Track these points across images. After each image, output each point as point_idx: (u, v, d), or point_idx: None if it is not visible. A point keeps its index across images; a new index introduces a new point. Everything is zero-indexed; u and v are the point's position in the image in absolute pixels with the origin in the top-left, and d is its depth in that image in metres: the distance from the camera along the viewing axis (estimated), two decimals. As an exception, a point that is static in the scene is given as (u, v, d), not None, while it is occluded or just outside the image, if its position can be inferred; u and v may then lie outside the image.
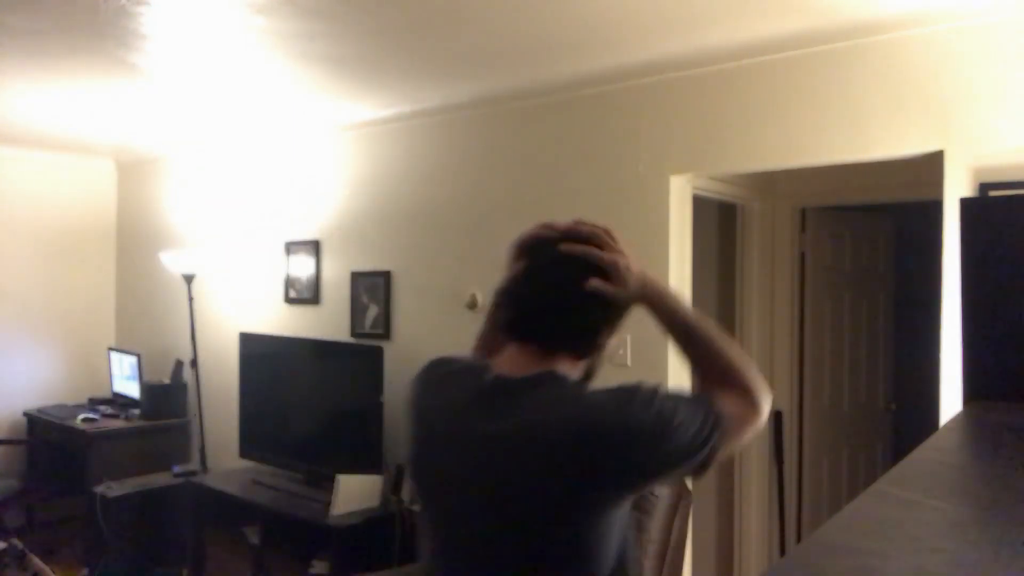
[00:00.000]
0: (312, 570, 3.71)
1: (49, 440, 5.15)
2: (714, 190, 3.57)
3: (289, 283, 4.69)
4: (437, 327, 3.98)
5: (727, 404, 1.18)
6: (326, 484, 3.79)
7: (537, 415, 1.14)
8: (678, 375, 3.03)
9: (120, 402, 5.36)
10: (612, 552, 1.16)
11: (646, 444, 1.10)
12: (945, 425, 1.68)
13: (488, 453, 1.16)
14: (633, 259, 1.24)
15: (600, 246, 1.22)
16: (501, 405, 1.17)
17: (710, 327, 1.26)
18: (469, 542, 1.21)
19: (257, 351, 4.50)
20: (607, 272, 1.20)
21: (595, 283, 1.19)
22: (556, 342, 1.22)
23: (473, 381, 1.23)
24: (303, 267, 4.59)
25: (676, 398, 1.17)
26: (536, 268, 1.24)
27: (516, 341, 1.24)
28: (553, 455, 1.11)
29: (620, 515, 1.17)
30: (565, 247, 1.22)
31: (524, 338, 1.23)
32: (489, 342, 1.41)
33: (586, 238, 1.23)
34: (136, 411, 5.10)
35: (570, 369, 1.22)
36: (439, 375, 1.32)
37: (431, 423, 1.28)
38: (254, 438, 4.46)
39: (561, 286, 1.21)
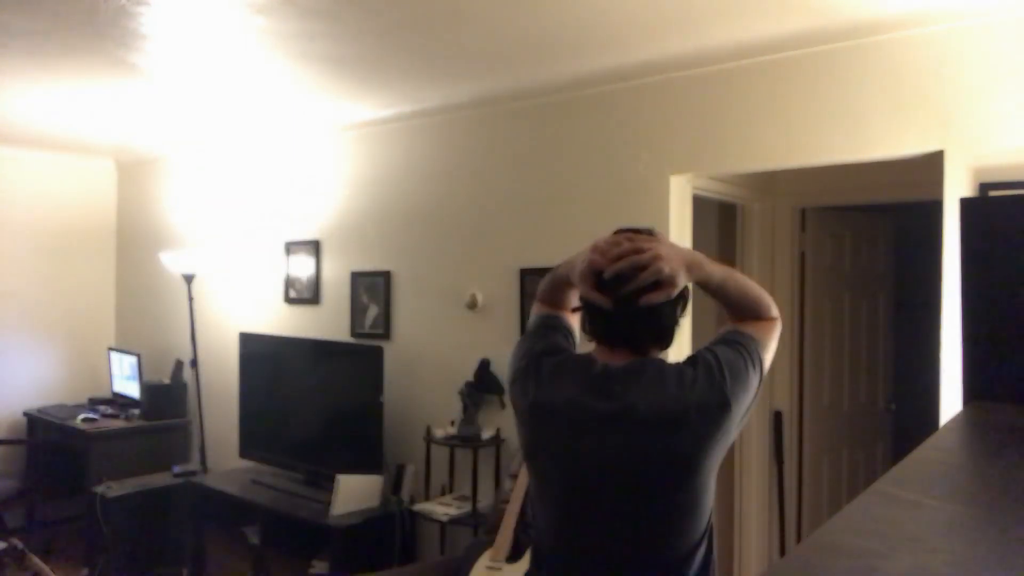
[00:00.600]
0: (312, 570, 3.71)
1: (49, 440, 5.15)
2: (714, 190, 3.57)
3: (289, 283, 4.69)
4: (437, 327, 3.98)
5: (758, 329, 1.49)
6: (326, 484, 3.79)
7: (647, 395, 1.37)
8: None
9: (120, 402, 5.35)
10: (711, 504, 1.41)
11: (738, 404, 1.37)
12: (945, 425, 1.68)
13: (606, 430, 1.38)
14: (669, 250, 1.42)
15: (643, 267, 1.38)
16: (612, 389, 1.39)
17: (736, 277, 1.51)
18: (596, 508, 1.42)
19: (257, 351, 4.50)
20: (661, 282, 1.39)
21: (650, 298, 1.39)
22: (647, 346, 1.46)
23: (584, 371, 1.44)
24: (303, 267, 4.59)
25: (730, 350, 1.42)
26: (618, 300, 1.42)
27: (609, 346, 1.47)
28: (667, 428, 1.35)
29: (717, 471, 1.41)
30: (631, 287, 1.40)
31: (618, 346, 1.45)
32: (552, 298, 1.65)
33: (630, 265, 1.40)
34: (136, 411, 5.09)
35: (658, 353, 1.47)
36: (550, 367, 1.50)
37: (549, 409, 1.47)
38: (254, 438, 4.46)
39: (643, 311, 1.41)
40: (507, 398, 3.64)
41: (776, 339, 1.52)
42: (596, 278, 1.42)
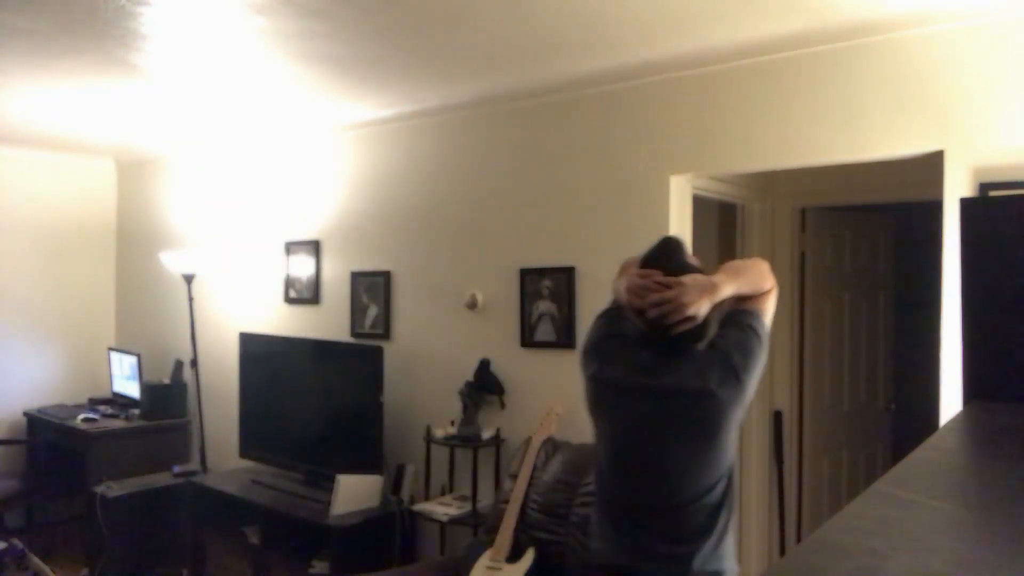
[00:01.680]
0: (312, 570, 3.71)
1: (49, 440, 5.15)
2: (714, 190, 3.57)
3: (289, 283, 4.69)
4: (437, 327, 3.98)
5: (758, 303, 1.86)
6: (326, 484, 3.79)
7: (675, 376, 1.80)
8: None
9: (120, 402, 5.35)
10: (731, 452, 1.82)
11: (749, 375, 1.77)
12: (945, 425, 1.68)
13: (644, 399, 1.84)
14: (691, 291, 1.73)
15: (668, 312, 1.73)
16: (651, 370, 1.84)
17: (741, 278, 1.84)
18: (634, 456, 1.87)
19: (257, 351, 4.50)
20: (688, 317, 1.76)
21: (680, 328, 1.75)
22: (685, 346, 1.82)
23: (633, 354, 1.87)
24: (303, 267, 4.59)
25: (738, 331, 1.81)
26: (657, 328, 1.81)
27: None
28: (690, 400, 1.78)
29: (737, 427, 1.83)
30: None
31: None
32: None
33: (661, 313, 1.75)
34: (136, 411, 5.09)
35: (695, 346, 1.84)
36: (611, 348, 1.92)
37: (609, 381, 1.90)
38: (254, 438, 4.46)
39: (682, 336, 1.80)
40: (507, 398, 3.67)
41: (774, 302, 1.90)
42: (639, 312, 1.80)
